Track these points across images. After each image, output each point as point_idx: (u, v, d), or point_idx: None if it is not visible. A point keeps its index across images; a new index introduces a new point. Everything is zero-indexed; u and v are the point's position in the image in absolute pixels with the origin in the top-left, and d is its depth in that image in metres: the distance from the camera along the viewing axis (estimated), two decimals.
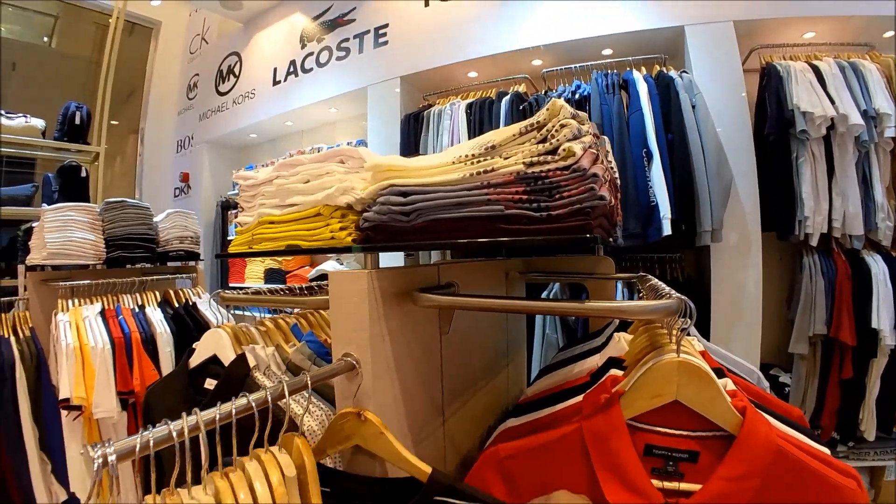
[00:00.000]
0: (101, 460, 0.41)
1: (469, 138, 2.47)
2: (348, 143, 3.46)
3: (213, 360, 1.00)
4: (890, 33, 2.64)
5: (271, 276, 3.65)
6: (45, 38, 4.53)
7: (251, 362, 0.92)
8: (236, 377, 0.91)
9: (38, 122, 3.66)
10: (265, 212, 0.95)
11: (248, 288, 2.60)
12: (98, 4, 4.32)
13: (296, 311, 1.26)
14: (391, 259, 1.12)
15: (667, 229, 2.05)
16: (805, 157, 2.22)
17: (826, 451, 0.64)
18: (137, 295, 1.98)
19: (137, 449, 0.44)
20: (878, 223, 2.25)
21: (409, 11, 3.19)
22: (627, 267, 2.39)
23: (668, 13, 2.48)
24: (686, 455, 0.62)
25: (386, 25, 3.27)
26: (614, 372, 0.77)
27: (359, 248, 0.76)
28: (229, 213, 4.16)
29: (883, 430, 2.32)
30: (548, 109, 0.65)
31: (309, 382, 0.62)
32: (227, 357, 0.97)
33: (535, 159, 0.63)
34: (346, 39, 3.46)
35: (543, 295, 2.33)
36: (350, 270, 0.76)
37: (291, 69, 3.79)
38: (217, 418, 0.51)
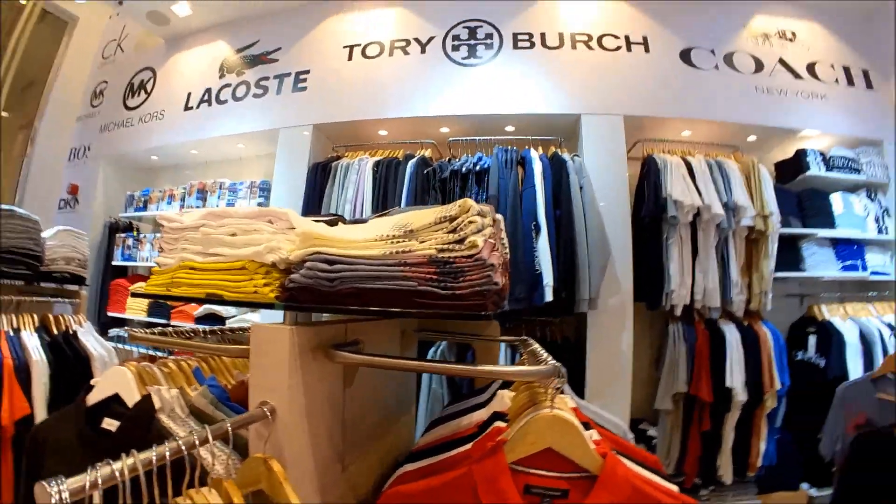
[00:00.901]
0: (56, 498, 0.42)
1: (373, 195, 2.70)
2: (252, 183, 3.53)
3: (115, 400, 1.00)
4: (753, 138, 3.26)
5: (155, 309, 3.60)
6: None
7: (156, 404, 0.95)
8: (142, 419, 0.93)
9: None
10: (187, 257, 0.99)
11: (155, 326, 2.55)
12: None
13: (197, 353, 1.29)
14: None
15: (549, 296, 2.33)
16: (674, 239, 2.65)
17: (675, 488, 0.81)
18: (13, 316, 1.84)
19: (87, 486, 0.47)
20: (732, 297, 2.70)
21: (332, 62, 3.36)
22: (511, 328, 2.66)
23: (568, 101, 2.89)
24: (559, 493, 0.78)
25: (307, 71, 3.40)
26: (499, 424, 0.92)
27: (282, 306, 0.85)
28: (118, 236, 4.01)
29: (738, 474, 2.74)
30: (459, 206, 0.79)
31: (230, 429, 0.69)
32: (131, 397, 0.98)
33: (445, 246, 0.76)
34: (266, 78, 3.54)
35: (431, 350, 2.55)
36: (273, 325, 0.83)
37: (206, 97, 3.77)
38: (154, 460, 0.57)
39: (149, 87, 4.22)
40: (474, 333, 1.54)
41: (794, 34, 3.43)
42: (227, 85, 3.75)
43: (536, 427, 0.79)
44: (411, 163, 2.71)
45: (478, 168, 2.61)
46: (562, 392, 1.12)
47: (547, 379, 0.79)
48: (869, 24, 3.53)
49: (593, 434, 0.88)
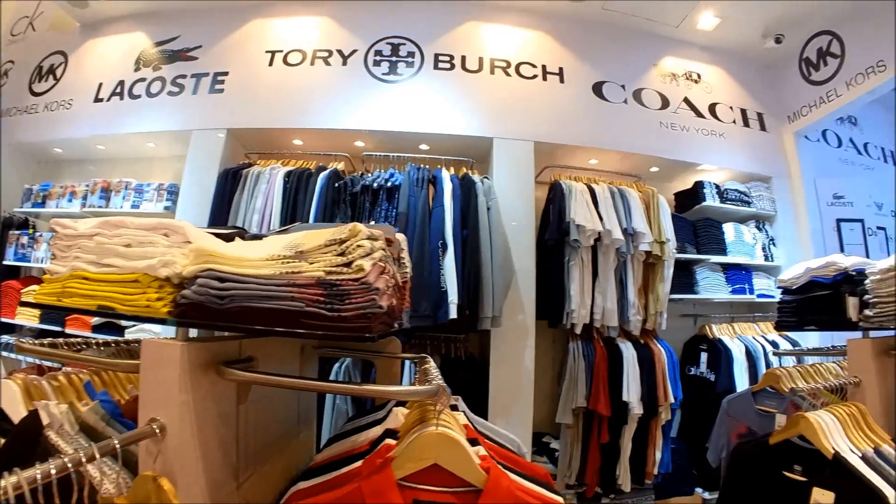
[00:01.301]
0: None
1: (283, 206, 2.65)
2: (160, 185, 3.36)
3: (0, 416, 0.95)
4: (655, 169, 3.49)
5: (49, 315, 3.34)
6: None
7: (44, 420, 0.90)
8: (29, 435, 0.89)
9: None
10: (80, 266, 0.96)
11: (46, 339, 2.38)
12: None
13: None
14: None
15: (453, 313, 2.38)
16: (575, 261, 2.78)
17: (559, 500, 0.86)
18: None
19: None
20: (630, 317, 2.87)
21: (252, 65, 3.29)
22: (416, 344, 2.71)
23: (483, 124, 2.99)
24: None
25: (226, 73, 3.30)
26: (389, 441, 0.94)
27: (173, 322, 0.84)
28: (11, 233, 3.68)
29: (637, 482, 2.89)
30: (349, 230, 0.80)
31: (118, 447, 0.68)
32: (17, 412, 0.94)
33: (333, 269, 0.78)
34: (184, 76, 3.40)
35: (336, 366, 2.54)
36: (163, 340, 0.82)
37: (118, 90, 3.56)
38: (39, 478, 0.55)
39: (58, 72, 3.92)
40: (375, 351, 1.57)
41: (699, 76, 3.72)
42: (142, 79, 3.56)
43: (422, 444, 0.83)
44: (323, 175, 2.69)
45: (389, 184, 2.64)
46: (455, 409, 1.17)
47: (430, 397, 0.82)
48: (767, 71, 3.89)
49: (480, 450, 0.92)
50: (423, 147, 3.12)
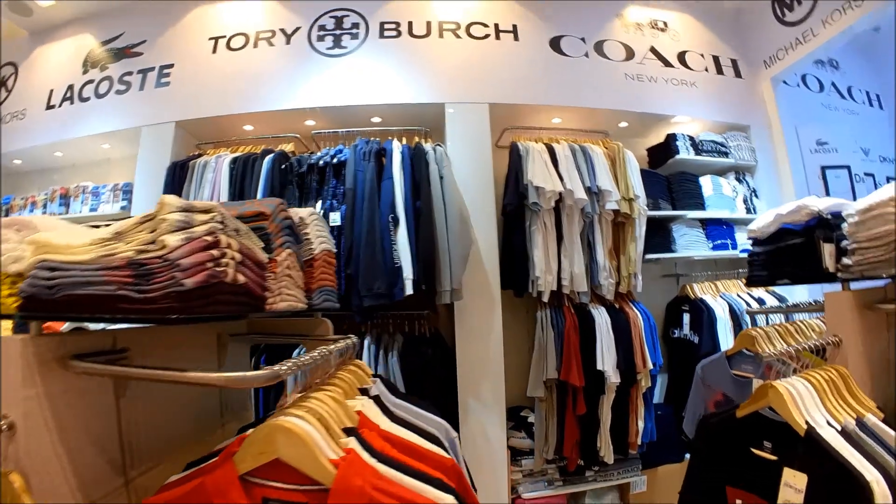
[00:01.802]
0: None
1: (230, 194, 2.55)
2: (115, 185, 3.28)
3: None
4: (624, 124, 3.32)
5: None
6: None
7: None
8: None
9: None
10: None
11: None
12: None
13: None
14: None
15: (409, 289, 2.27)
16: (537, 226, 2.65)
17: (441, 499, 0.76)
18: None
19: None
20: (601, 281, 2.74)
21: (197, 55, 3.18)
22: (378, 324, 2.61)
23: (433, 91, 2.84)
24: None
25: (171, 65, 3.20)
26: (248, 432, 0.87)
27: (18, 316, 0.83)
28: None
29: (620, 452, 2.78)
30: (157, 204, 0.75)
31: None
32: None
33: (141, 248, 0.74)
34: (130, 73, 3.30)
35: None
36: (6, 336, 0.80)
37: (68, 94, 3.46)
38: None
39: (10, 83, 3.84)
40: (300, 334, 1.50)
41: (665, 24, 3.54)
42: (91, 81, 3.47)
43: (262, 436, 0.77)
44: (268, 158, 2.58)
45: (335, 161, 2.52)
46: (365, 392, 1.11)
47: (259, 384, 0.76)
48: (738, 15, 3.70)
49: (349, 442, 0.84)
50: (376, 120, 3.00)
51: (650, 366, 2.74)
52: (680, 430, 3.03)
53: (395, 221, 2.36)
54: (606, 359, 2.64)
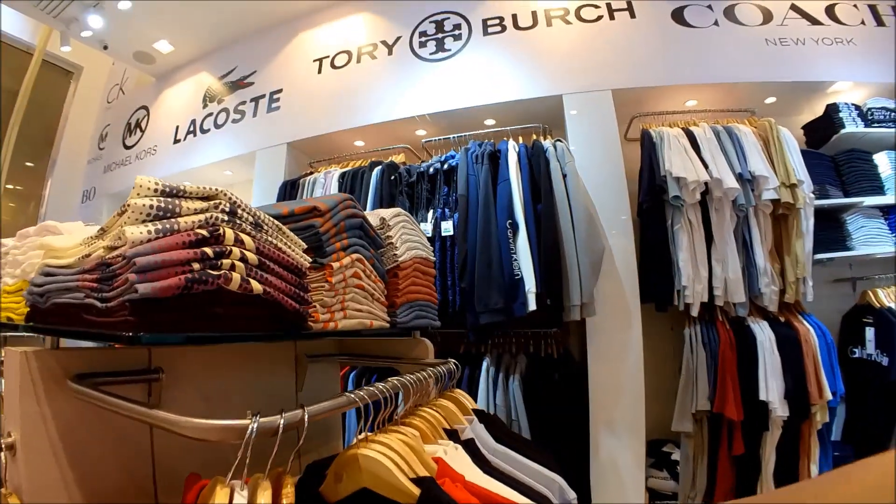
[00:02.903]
0: None
1: None
2: None
3: None
4: (772, 99, 2.75)
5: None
6: None
7: None
8: None
9: None
10: (6, 280, 0.96)
11: None
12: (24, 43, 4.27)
13: None
14: None
15: (532, 304, 1.95)
16: (681, 224, 2.20)
17: None
18: None
19: None
20: (761, 289, 2.22)
21: (303, 77, 3.20)
22: (499, 343, 2.29)
23: (547, 83, 2.52)
24: None
25: (280, 90, 3.25)
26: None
27: (25, 327, 0.78)
28: None
29: None
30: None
31: None
32: None
33: (112, 244, 0.59)
34: (244, 102, 3.42)
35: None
36: (14, 349, 0.71)
37: (191, 128, 3.70)
38: None
39: (143, 124, 4.22)
40: (394, 356, 1.26)
41: None
42: (210, 114, 3.68)
43: None
44: (376, 170, 2.43)
45: (446, 167, 2.30)
46: (454, 437, 0.87)
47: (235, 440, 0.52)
48: None
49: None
50: (489, 122, 2.76)
51: (828, 395, 2.16)
52: None
53: (514, 228, 2.06)
54: (771, 386, 2.11)
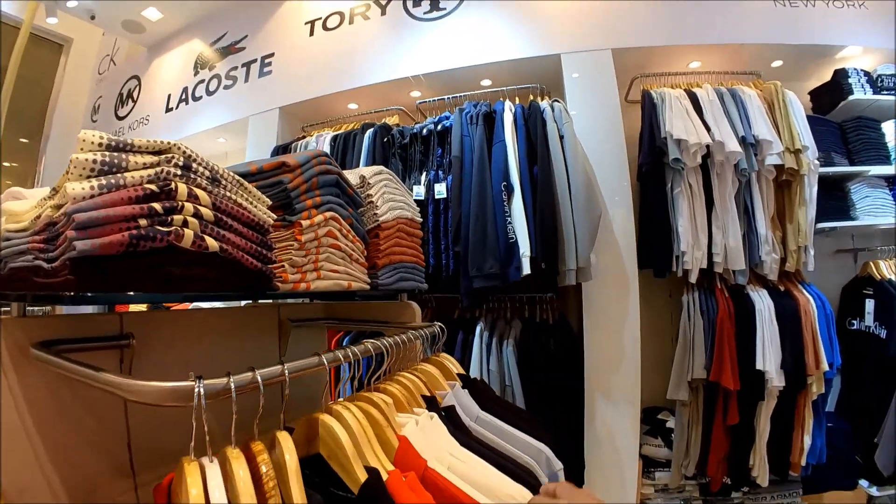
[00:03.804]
0: None
1: None
2: None
3: None
4: (778, 63, 2.60)
5: None
6: None
7: None
8: None
9: None
10: None
11: None
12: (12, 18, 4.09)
13: None
14: None
15: (526, 268, 1.86)
16: (681, 188, 2.09)
17: None
18: None
19: None
20: (762, 256, 2.12)
21: (294, 41, 3.06)
22: (494, 307, 2.20)
23: (545, 42, 2.38)
24: None
25: (272, 55, 3.12)
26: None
27: None
28: None
29: (776, 473, 2.16)
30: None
31: None
32: None
33: (59, 202, 0.53)
34: (235, 68, 3.28)
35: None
36: None
37: (183, 96, 3.56)
38: None
39: (135, 94, 4.10)
40: (379, 320, 1.21)
41: None
42: (202, 81, 3.55)
43: None
44: (368, 132, 2.32)
45: (440, 128, 2.19)
46: (432, 405, 0.83)
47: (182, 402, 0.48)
48: None
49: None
50: (485, 83, 2.62)
51: (825, 366, 2.08)
52: (856, 449, 2.31)
53: (509, 190, 1.96)
54: (768, 356, 2.04)
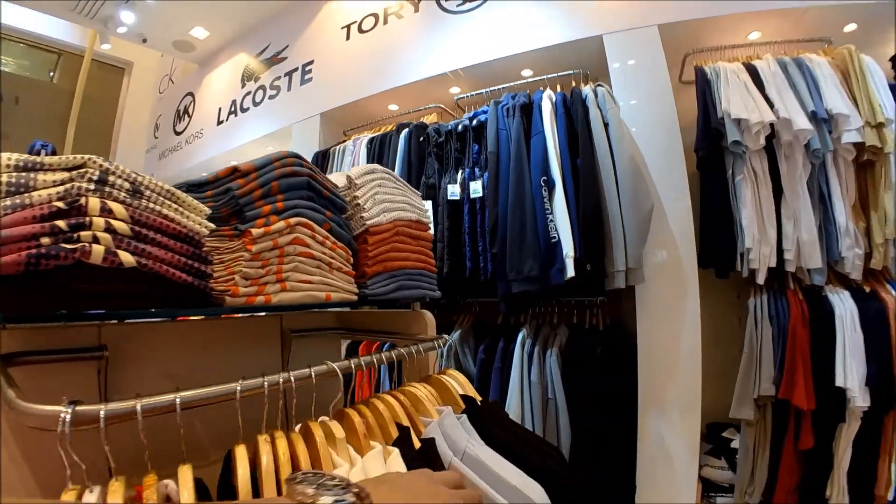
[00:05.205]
0: None
1: None
2: None
3: None
4: (852, 27, 2.23)
5: None
6: (50, 73, 4.48)
7: None
8: None
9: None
10: None
11: None
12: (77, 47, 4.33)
13: None
14: None
15: (570, 270, 1.66)
16: (744, 175, 1.81)
17: None
18: None
19: None
20: (842, 252, 1.79)
21: (332, 46, 3.03)
22: (539, 313, 2.01)
23: (585, 23, 2.15)
24: None
25: (311, 62, 3.10)
26: None
27: None
28: None
29: None
30: None
31: None
32: None
33: None
34: (278, 77, 3.30)
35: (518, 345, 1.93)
36: None
37: (232, 108, 3.64)
38: None
39: (190, 110, 4.24)
40: (390, 331, 1.12)
41: None
42: (248, 93, 3.62)
43: None
44: (403, 133, 2.21)
45: (475, 123, 2.03)
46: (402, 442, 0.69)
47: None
48: None
49: None
50: (526, 73, 2.42)
51: None
52: None
53: (550, 185, 1.77)
54: (850, 370, 1.69)
